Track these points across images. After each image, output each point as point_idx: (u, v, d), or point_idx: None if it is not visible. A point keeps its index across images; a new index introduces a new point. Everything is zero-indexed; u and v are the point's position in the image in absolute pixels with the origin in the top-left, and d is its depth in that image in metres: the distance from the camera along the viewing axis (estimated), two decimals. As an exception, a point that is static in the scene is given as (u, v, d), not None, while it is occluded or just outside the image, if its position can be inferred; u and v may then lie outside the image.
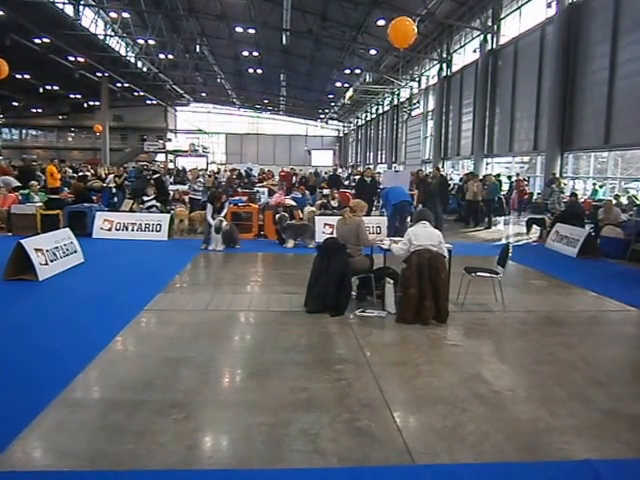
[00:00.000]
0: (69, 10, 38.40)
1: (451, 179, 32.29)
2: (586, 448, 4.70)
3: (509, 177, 30.82)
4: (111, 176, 24.97)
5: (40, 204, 17.27)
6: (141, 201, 18.31)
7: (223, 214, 15.47)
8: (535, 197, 27.90)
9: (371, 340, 7.40)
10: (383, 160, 63.07)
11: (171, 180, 27.78)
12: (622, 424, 5.16)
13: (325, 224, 16.35)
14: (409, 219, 15.80)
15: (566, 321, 8.73)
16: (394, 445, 4.66)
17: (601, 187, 25.63)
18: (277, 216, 15.93)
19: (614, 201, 18.48)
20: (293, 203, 18.83)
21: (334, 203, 18.81)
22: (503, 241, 17.69)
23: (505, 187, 28.58)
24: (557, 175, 26.05)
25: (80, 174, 30.28)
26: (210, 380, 6.00)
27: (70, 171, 32.11)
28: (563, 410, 5.40)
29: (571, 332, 8.13)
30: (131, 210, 18.25)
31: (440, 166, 32.95)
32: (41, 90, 60.39)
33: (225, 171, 39.30)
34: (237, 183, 31.59)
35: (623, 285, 11.79)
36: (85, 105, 71.85)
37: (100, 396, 5.59)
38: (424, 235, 8.40)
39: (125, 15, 41.66)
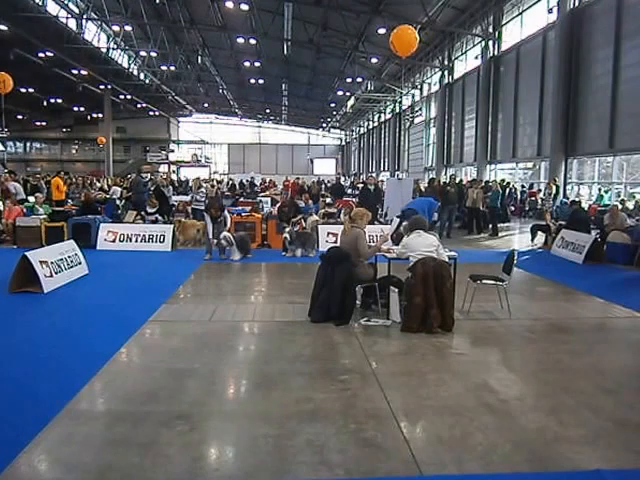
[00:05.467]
0: (72, 24, 38.71)
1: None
2: (596, 458, 4.64)
3: (508, 183, 30.80)
4: (114, 187, 25.01)
5: (44, 216, 17.28)
6: (145, 213, 18.27)
7: (227, 227, 15.47)
8: (539, 203, 27.92)
9: (376, 350, 7.36)
10: (386, 168, 63.09)
11: (172, 192, 27.42)
12: (633, 433, 5.10)
13: (329, 233, 16.32)
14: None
15: (573, 328, 8.67)
16: (401, 456, 4.62)
17: (606, 192, 25.60)
18: (286, 231, 15.80)
19: (620, 206, 18.40)
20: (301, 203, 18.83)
21: (344, 218, 18.75)
22: (508, 248, 17.62)
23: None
24: (556, 180, 26.07)
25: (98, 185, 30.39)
26: (215, 391, 5.97)
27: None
28: (572, 419, 5.35)
29: (579, 339, 8.08)
30: (135, 221, 18.24)
31: (455, 174, 32.92)
32: (45, 103, 60.84)
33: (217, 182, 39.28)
34: (239, 193, 31.68)
35: (631, 291, 11.72)
36: (88, 117, 72.27)
37: (105, 408, 5.56)
38: (420, 243, 8.38)
39: (127, 28, 42.09)
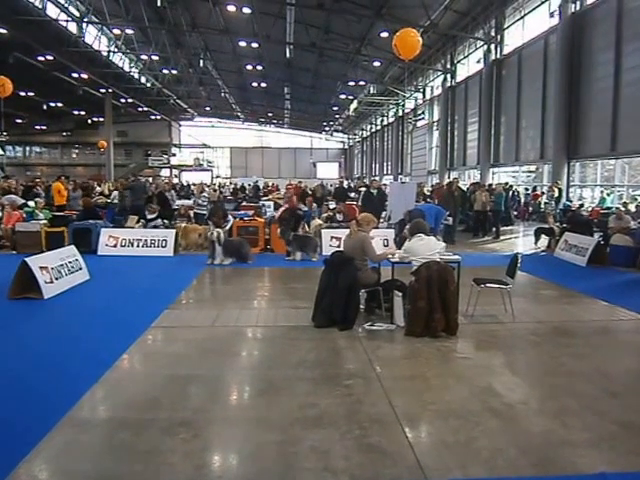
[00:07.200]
0: (72, 27, 38.70)
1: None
2: (601, 461, 4.63)
3: (510, 186, 30.79)
4: (116, 192, 24.93)
5: (45, 221, 17.20)
6: (144, 219, 18.15)
7: (227, 229, 15.50)
8: (542, 206, 27.91)
9: (380, 354, 7.33)
10: (389, 171, 63.08)
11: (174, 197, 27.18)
12: (638, 436, 5.07)
13: (332, 237, 16.26)
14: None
15: (577, 331, 8.65)
16: (406, 461, 4.60)
17: (609, 195, 25.59)
18: (279, 230, 15.89)
19: (622, 208, 18.39)
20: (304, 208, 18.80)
21: (339, 217, 18.74)
22: (512, 251, 17.58)
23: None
24: (558, 182, 26.13)
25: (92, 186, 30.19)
26: (218, 398, 5.94)
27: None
28: (577, 422, 5.32)
29: (583, 342, 8.05)
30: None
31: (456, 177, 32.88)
32: (45, 107, 60.71)
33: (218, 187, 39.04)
34: (242, 197, 31.60)
35: (634, 293, 11.64)
36: (89, 121, 72.24)
37: (107, 416, 5.53)
38: (423, 247, 8.35)
39: (129, 31, 42.01)
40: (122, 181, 28.52)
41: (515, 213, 29.33)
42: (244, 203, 27.67)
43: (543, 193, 29.08)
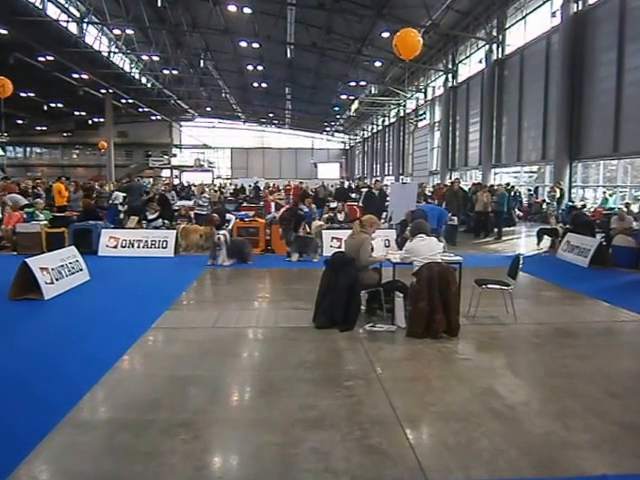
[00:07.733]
0: (73, 28, 38.63)
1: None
2: (603, 463, 4.62)
3: (512, 187, 30.75)
4: (116, 193, 24.91)
5: (45, 222, 17.17)
6: (145, 219, 18.11)
7: (229, 228, 15.49)
8: (544, 207, 27.88)
9: (381, 355, 7.31)
10: (390, 172, 63.02)
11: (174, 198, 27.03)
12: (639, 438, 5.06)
13: (333, 238, 16.23)
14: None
15: (579, 333, 8.61)
16: (407, 463, 4.59)
17: (611, 195, 25.55)
18: (281, 230, 15.91)
19: (625, 209, 18.36)
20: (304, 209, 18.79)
21: (341, 217, 18.70)
22: (513, 252, 17.54)
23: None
24: (560, 183, 26.14)
25: (93, 187, 30.09)
26: (218, 399, 5.93)
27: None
28: (579, 424, 5.31)
29: (585, 344, 8.02)
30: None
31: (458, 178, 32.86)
32: (45, 108, 60.67)
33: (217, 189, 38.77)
34: (242, 198, 31.59)
35: (636, 295, 11.61)
36: (89, 122, 72.13)
37: (107, 417, 5.52)
38: (424, 248, 8.33)
39: (129, 32, 41.96)
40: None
41: (519, 213, 29.33)
42: (244, 204, 27.65)
43: (544, 201, 29.05)
